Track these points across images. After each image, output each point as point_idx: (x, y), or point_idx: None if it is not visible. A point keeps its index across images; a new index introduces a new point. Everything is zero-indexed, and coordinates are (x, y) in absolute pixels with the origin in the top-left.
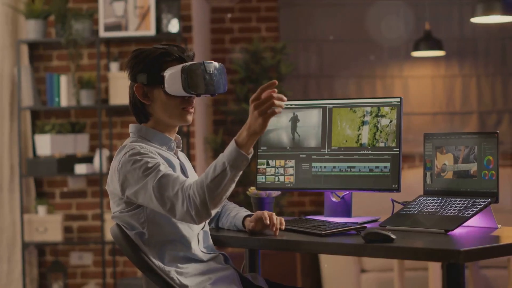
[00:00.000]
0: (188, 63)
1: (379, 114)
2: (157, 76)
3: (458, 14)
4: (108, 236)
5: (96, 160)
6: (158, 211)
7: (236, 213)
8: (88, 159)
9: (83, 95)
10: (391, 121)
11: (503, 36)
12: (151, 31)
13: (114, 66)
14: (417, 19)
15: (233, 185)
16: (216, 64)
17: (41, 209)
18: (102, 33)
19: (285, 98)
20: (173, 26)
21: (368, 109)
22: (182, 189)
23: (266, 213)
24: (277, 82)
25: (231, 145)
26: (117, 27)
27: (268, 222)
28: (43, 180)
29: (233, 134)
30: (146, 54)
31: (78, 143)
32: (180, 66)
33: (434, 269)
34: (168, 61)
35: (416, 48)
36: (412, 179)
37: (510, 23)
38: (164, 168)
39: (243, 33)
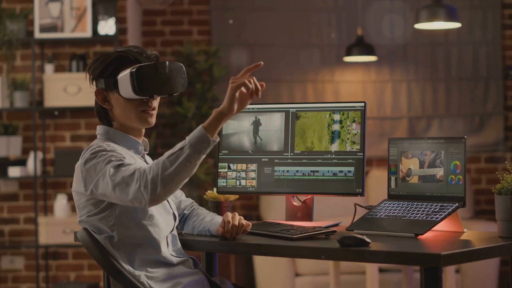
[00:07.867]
0: (136, 66)
1: (343, 118)
2: (112, 80)
3: (389, 20)
4: (42, 240)
5: (30, 163)
6: (125, 213)
7: (212, 218)
8: (21, 162)
9: (16, 96)
10: (350, 125)
11: (433, 42)
12: (88, 33)
13: (48, 67)
14: (349, 25)
15: (189, 172)
16: (172, 63)
17: None
18: (38, 34)
19: (263, 84)
20: (110, 28)
21: (332, 113)
22: (139, 169)
23: (229, 216)
24: (262, 63)
25: (198, 127)
26: (52, 28)
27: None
28: None
29: (165, 137)
30: (103, 59)
31: (11, 146)
32: (129, 69)
33: (372, 273)
34: (124, 64)
35: (349, 53)
36: None
37: (439, 31)
38: (127, 161)
39: (175, 36)
